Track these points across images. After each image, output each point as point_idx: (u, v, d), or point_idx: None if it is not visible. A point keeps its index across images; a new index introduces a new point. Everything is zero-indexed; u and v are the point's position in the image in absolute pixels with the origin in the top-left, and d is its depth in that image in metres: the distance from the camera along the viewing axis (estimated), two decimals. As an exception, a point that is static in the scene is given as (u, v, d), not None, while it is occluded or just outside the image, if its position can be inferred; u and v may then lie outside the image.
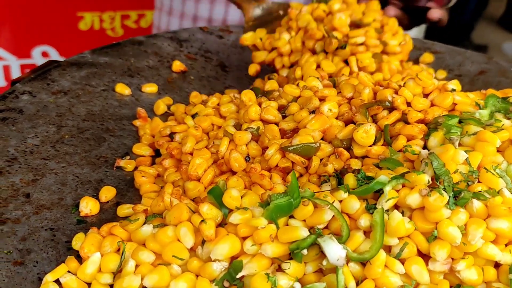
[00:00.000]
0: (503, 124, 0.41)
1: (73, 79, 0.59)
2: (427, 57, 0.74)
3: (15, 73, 1.85)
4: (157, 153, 0.52)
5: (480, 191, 0.37)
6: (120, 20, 1.90)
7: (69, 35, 1.85)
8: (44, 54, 1.86)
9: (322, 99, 0.48)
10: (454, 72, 0.73)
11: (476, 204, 0.36)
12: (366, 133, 0.42)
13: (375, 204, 0.37)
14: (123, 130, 0.54)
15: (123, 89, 0.59)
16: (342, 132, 0.44)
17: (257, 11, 0.68)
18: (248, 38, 0.64)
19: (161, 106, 0.57)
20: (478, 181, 0.38)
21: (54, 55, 1.87)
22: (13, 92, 0.55)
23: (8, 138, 0.49)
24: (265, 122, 0.48)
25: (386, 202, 0.37)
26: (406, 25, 0.78)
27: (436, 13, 0.81)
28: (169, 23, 1.00)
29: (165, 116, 0.57)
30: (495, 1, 4.55)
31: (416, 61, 0.74)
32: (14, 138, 0.49)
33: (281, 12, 0.68)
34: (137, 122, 0.55)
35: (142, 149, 0.51)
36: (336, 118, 0.46)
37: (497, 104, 0.45)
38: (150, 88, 0.61)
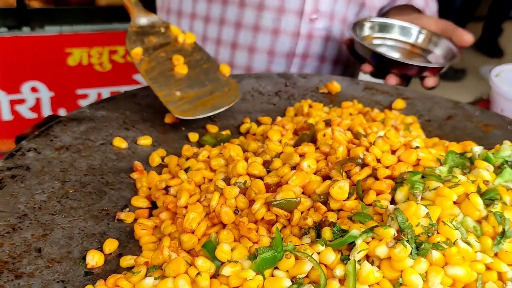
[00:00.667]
0: (459, 180, 0.47)
1: (73, 134, 0.64)
2: (399, 103, 0.81)
3: (5, 109, 1.89)
4: (153, 204, 0.57)
5: (439, 242, 0.43)
6: (108, 55, 1.96)
7: (58, 70, 1.90)
8: (34, 89, 1.91)
9: (302, 155, 0.54)
10: (424, 117, 0.79)
11: (435, 254, 0.42)
12: (340, 189, 0.48)
13: (349, 255, 0.43)
14: (122, 183, 0.59)
15: (120, 142, 0.64)
16: (320, 187, 0.50)
17: (142, 20, 0.74)
18: (138, 53, 0.71)
19: (156, 158, 0.63)
20: (437, 233, 0.44)
21: (43, 90, 1.92)
22: (19, 149, 0.60)
23: (18, 195, 0.54)
24: (252, 176, 0.54)
25: (358, 253, 0.42)
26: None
27: (431, 82, 0.90)
28: None
29: (159, 168, 0.63)
30: (471, 26, 4.70)
31: (389, 107, 0.81)
32: (23, 195, 0.54)
33: (162, 30, 0.75)
34: (134, 175, 0.60)
35: (140, 202, 0.56)
36: (315, 173, 0.52)
37: (455, 159, 0.51)
38: (145, 140, 0.66)
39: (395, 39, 1.00)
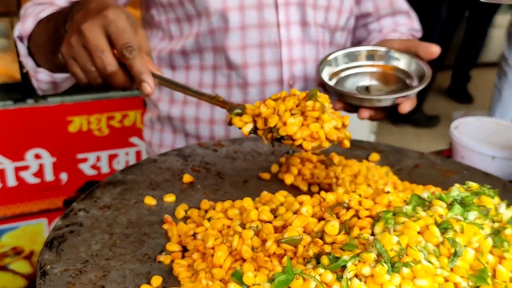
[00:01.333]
0: (421, 215, 0.63)
1: (111, 196, 0.79)
2: (374, 156, 0.97)
3: (10, 175, 2.02)
4: (184, 248, 0.71)
5: (408, 262, 0.58)
6: (106, 121, 2.12)
7: (59, 137, 2.05)
8: (37, 156, 2.05)
9: (300, 203, 0.69)
10: (395, 167, 0.95)
11: (405, 270, 0.57)
12: (332, 227, 0.63)
13: (342, 274, 0.57)
14: (156, 233, 0.73)
15: (150, 200, 0.79)
16: (317, 227, 0.65)
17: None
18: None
19: (181, 212, 0.77)
20: (406, 255, 0.59)
21: (46, 156, 2.06)
22: (72, 210, 0.74)
23: (78, 246, 0.68)
24: (262, 221, 0.69)
25: (349, 273, 0.57)
26: (381, 118, 0.97)
27: (407, 107, 0.95)
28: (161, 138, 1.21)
29: (184, 219, 0.77)
30: (441, 74, 4.98)
31: (366, 159, 0.97)
32: (82, 246, 0.68)
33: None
34: (165, 226, 0.74)
35: (174, 247, 0.70)
36: (312, 216, 0.67)
37: (417, 200, 0.67)
38: (170, 198, 0.81)
39: (365, 65, 1.03)
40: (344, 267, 0.58)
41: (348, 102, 0.95)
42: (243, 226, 0.69)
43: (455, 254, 0.60)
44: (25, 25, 0.94)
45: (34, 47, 0.95)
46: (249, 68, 1.07)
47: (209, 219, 0.73)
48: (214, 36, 1.05)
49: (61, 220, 0.72)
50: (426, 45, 0.97)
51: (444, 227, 0.62)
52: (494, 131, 1.19)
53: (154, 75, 0.78)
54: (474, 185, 0.71)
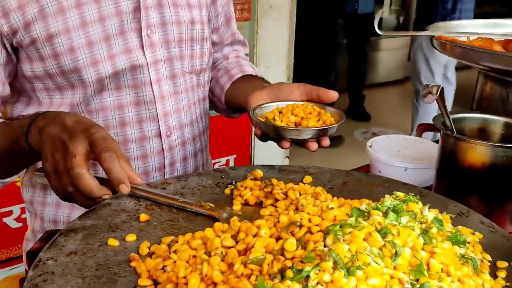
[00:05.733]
0: (364, 225, 0.74)
1: (75, 242, 0.83)
2: (307, 178, 1.08)
3: None
4: (155, 282, 0.76)
5: (360, 265, 0.68)
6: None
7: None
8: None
9: (258, 227, 0.78)
10: (327, 186, 1.06)
11: (359, 272, 0.67)
12: (291, 244, 0.72)
13: (307, 283, 0.66)
14: (126, 271, 0.78)
15: (113, 242, 0.84)
16: (277, 245, 0.73)
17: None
18: None
19: (144, 249, 0.83)
20: (357, 260, 0.69)
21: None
22: (40, 260, 0.77)
23: (54, 293, 0.71)
24: (225, 247, 0.76)
25: (312, 281, 0.66)
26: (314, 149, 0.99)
27: (326, 142, 0.99)
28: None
29: (149, 255, 0.82)
30: (340, 97, 5.30)
31: (301, 181, 1.07)
32: (58, 292, 0.71)
33: None
34: (133, 264, 0.79)
35: (145, 282, 0.75)
36: (270, 236, 0.76)
37: (358, 212, 0.77)
38: (131, 237, 0.86)
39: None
40: (307, 277, 0.66)
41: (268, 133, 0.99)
42: (208, 254, 0.76)
43: (396, 254, 0.71)
44: None
45: None
46: (127, 126, 1.12)
47: (175, 252, 0.79)
48: (88, 100, 1.08)
49: (32, 271, 0.75)
50: (324, 90, 1.04)
51: (384, 232, 0.73)
52: (403, 146, 1.35)
53: (134, 188, 0.90)
54: (400, 194, 0.83)
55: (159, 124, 1.14)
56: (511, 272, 0.80)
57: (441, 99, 1.00)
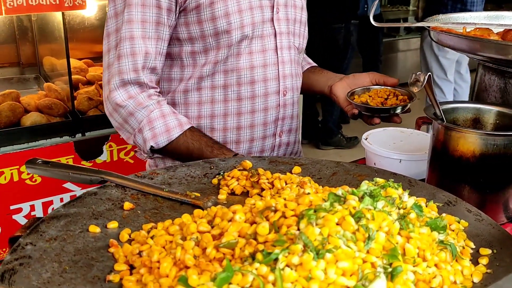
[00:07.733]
0: (338, 209, 0.73)
1: (56, 228, 0.83)
2: (297, 169, 1.07)
3: None
4: (131, 267, 0.77)
5: (330, 248, 0.67)
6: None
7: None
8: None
9: (234, 212, 0.77)
10: (316, 176, 1.06)
11: (328, 255, 0.66)
12: (263, 227, 0.72)
13: (276, 266, 0.66)
14: (103, 257, 0.79)
15: (94, 229, 0.84)
16: (250, 229, 0.73)
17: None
18: None
19: (125, 236, 0.83)
20: (328, 243, 0.68)
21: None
22: (19, 245, 0.78)
23: (29, 276, 0.72)
24: (201, 232, 0.76)
25: (280, 263, 0.65)
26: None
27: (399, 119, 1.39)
28: None
29: (128, 241, 0.83)
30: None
31: (290, 172, 1.07)
32: (33, 275, 0.72)
33: None
34: (111, 249, 0.80)
35: (121, 266, 0.76)
36: (245, 222, 0.75)
37: (334, 197, 0.77)
38: (113, 225, 0.86)
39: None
40: (276, 260, 0.66)
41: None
42: (184, 239, 0.76)
43: (369, 238, 0.70)
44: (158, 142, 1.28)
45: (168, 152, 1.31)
46: (256, 84, 1.36)
47: (152, 238, 0.79)
48: (227, 61, 1.31)
49: (9, 255, 0.75)
50: (388, 77, 1.40)
51: (358, 216, 0.72)
52: (398, 138, 1.33)
53: (120, 178, 0.96)
54: (380, 180, 0.82)
55: (279, 83, 1.39)
56: (493, 260, 0.78)
57: (429, 87, 0.98)
